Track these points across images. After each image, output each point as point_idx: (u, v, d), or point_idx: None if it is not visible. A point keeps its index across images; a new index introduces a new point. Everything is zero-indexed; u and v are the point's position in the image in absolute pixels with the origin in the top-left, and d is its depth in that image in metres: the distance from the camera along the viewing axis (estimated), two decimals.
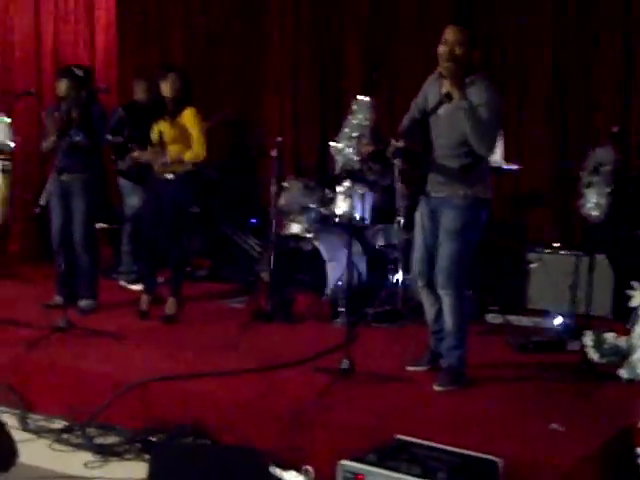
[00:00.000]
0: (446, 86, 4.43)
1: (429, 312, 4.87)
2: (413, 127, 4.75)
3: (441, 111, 4.57)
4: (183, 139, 6.08)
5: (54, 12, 9.59)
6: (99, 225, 7.94)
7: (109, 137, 7.23)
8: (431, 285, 4.74)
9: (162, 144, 6.07)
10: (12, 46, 9.52)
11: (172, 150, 6.06)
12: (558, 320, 6.04)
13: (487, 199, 4.66)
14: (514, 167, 7.00)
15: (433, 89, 4.67)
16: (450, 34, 4.53)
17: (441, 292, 4.65)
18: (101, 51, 9.53)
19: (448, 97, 4.48)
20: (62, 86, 6.34)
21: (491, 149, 4.62)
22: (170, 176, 6.11)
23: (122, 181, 7.70)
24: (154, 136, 6.13)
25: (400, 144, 4.69)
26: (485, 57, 7.45)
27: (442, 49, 4.52)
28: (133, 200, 7.45)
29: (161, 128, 6.10)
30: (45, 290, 6.76)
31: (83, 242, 6.38)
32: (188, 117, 6.09)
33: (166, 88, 6.08)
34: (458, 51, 4.49)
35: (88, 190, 6.37)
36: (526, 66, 7.44)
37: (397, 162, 5.86)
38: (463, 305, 4.67)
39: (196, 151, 6.09)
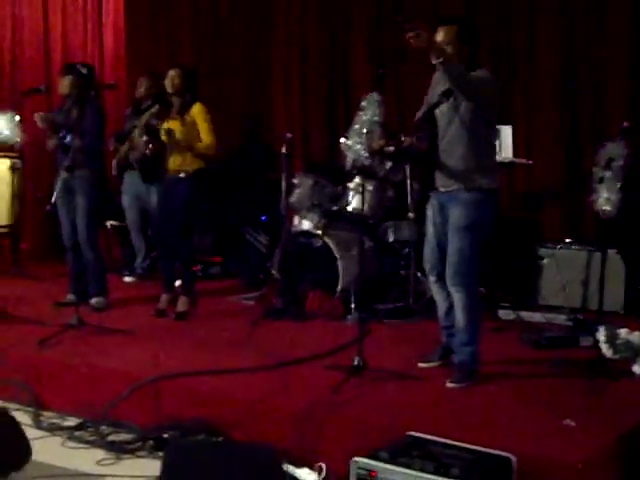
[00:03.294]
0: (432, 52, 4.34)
1: (440, 307, 4.87)
2: (423, 123, 4.75)
3: (441, 108, 4.61)
4: (194, 136, 6.08)
5: (63, 10, 9.62)
6: (110, 223, 8.00)
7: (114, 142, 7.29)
8: (442, 280, 4.73)
9: (173, 141, 6.05)
10: (21, 44, 9.56)
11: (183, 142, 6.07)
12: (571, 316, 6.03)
13: (493, 189, 4.66)
14: (526, 162, 6.99)
15: (437, 86, 4.68)
16: (439, 35, 4.54)
17: (451, 288, 4.65)
18: (110, 48, 9.55)
19: (446, 95, 4.50)
20: (65, 84, 6.35)
21: (474, 91, 4.48)
22: (182, 174, 6.11)
23: (130, 178, 7.68)
24: (164, 135, 6.12)
25: (406, 143, 4.71)
26: (495, 54, 7.49)
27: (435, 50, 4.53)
28: (153, 199, 7.42)
29: (171, 126, 6.10)
30: (57, 288, 6.79)
31: (87, 239, 6.39)
32: (197, 113, 6.10)
33: (168, 84, 6.09)
34: (449, 50, 4.48)
35: (90, 187, 6.38)
36: (536, 61, 7.41)
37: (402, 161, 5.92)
38: (474, 301, 4.66)
39: (207, 142, 6.08)
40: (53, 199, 5.93)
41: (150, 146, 6.23)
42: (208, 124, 6.10)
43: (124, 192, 7.82)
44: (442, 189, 4.69)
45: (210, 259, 8.20)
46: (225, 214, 8.50)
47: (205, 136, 6.08)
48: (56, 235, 6.80)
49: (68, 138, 6.20)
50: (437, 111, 4.64)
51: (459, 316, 4.65)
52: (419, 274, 6.40)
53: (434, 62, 4.35)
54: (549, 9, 7.30)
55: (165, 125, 6.11)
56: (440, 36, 4.54)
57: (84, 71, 6.41)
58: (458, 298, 4.63)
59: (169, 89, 6.10)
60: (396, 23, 4.34)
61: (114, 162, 7.67)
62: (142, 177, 7.36)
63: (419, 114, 4.85)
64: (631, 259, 6.24)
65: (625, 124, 5.55)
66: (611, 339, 4.77)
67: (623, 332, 4.85)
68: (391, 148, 4.95)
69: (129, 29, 9.47)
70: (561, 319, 6.08)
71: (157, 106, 6.28)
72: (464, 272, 4.58)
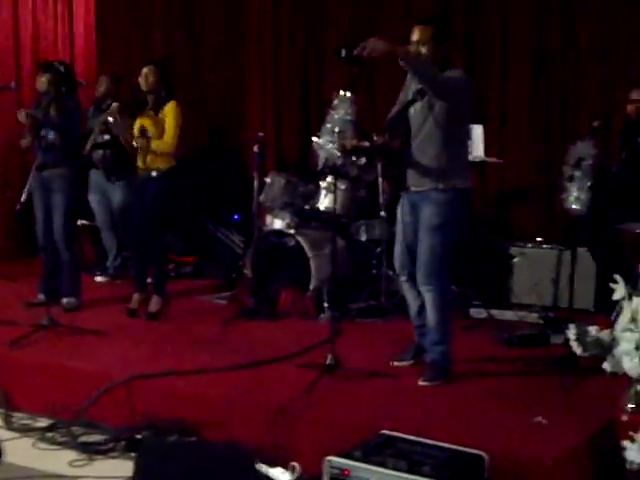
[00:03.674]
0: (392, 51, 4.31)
1: (412, 306, 4.89)
2: (396, 122, 4.77)
3: (415, 107, 4.63)
4: (161, 132, 6.04)
5: (32, 7, 9.52)
6: (80, 222, 7.94)
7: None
8: (413, 280, 4.75)
9: (145, 138, 6.03)
10: None
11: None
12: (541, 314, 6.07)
13: (466, 189, 4.68)
14: (495, 160, 7.03)
15: (412, 85, 4.69)
16: (414, 34, 4.57)
17: (422, 288, 4.66)
18: (80, 46, 9.47)
19: (420, 93, 4.52)
20: (43, 81, 6.30)
21: (443, 91, 4.45)
22: (153, 173, 6.09)
23: (96, 177, 7.65)
24: (135, 131, 6.09)
25: (379, 141, 4.73)
26: (467, 53, 7.53)
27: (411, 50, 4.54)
28: (117, 197, 7.42)
29: (144, 123, 6.07)
30: (28, 288, 6.73)
31: (64, 238, 6.33)
32: (168, 110, 6.05)
33: (142, 82, 6.06)
34: (424, 50, 4.52)
35: (68, 185, 6.33)
36: (507, 60, 7.46)
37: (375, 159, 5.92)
38: (445, 300, 4.68)
39: (165, 140, 6.03)
40: (23, 198, 5.88)
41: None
42: (175, 123, 6.04)
43: (91, 191, 7.76)
44: (413, 188, 4.70)
45: (183, 258, 8.16)
46: (198, 213, 8.47)
47: (166, 135, 6.03)
48: (26, 234, 6.74)
49: (51, 135, 6.15)
50: (411, 110, 4.66)
51: (430, 315, 4.66)
52: (391, 273, 6.41)
53: (401, 64, 4.35)
54: (521, 8, 7.34)
55: (138, 122, 6.08)
56: (416, 35, 4.56)
57: (62, 69, 6.37)
58: (429, 297, 4.64)
59: (143, 87, 6.06)
60: (341, 59, 4.39)
61: None
62: (106, 176, 7.35)
63: (392, 113, 4.86)
64: (601, 257, 6.29)
65: (595, 123, 5.61)
66: (581, 337, 4.79)
67: (593, 330, 4.87)
68: (366, 143, 4.94)
69: (100, 27, 9.41)
70: (532, 317, 6.12)
71: (115, 105, 6.23)
72: (435, 272, 4.59)
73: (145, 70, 6.06)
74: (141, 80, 6.06)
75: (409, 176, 4.71)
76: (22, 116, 6.21)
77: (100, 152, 7.31)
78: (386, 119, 4.86)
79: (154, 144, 6.02)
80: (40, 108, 6.31)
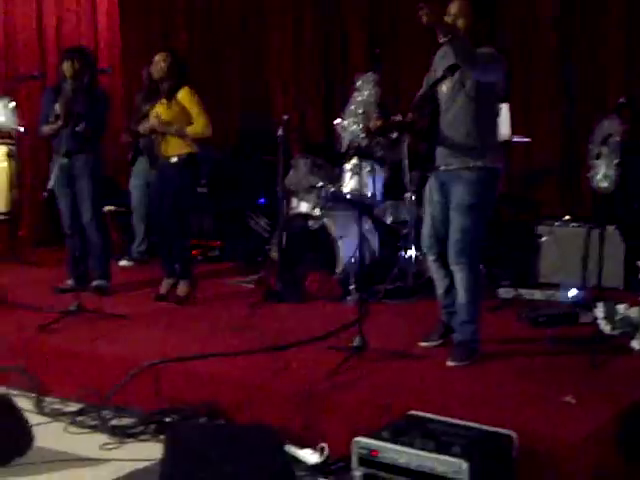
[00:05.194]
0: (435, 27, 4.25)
1: (439, 286, 4.86)
2: (424, 101, 4.73)
3: (444, 86, 4.59)
4: (182, 120, 6.05)
5: None
6: (107, 208, 8.00)
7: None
8: (441, 259, 4.73)
9: (162, 126, 6.05)
10: (14, 29, 9.50)
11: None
12: (572, 292, 6.01)
13: (497, 168, 4.64)
14: (523, 139, 6.97)
15: (441, 63, 4.65)
16: (452, 6, 4.50)
17: (453, 267, 4.63)
18: (104, 33, 9.51)
19: (451, 69, 4.47)
20: (69, 67, 6.31)
21: (475, 65, 4.38)
22: (174, 159, 6.10)
23: (140, 163, 7.72)
24: (152, 119, 6.11)
25: (408, 118, 4.68)
26: (489, 29, 7.46)
27: (446, 21, 4.49)
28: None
29: (158, 110, 6.08)
30: (56, 274, 6.79)
31: (93, 222, 6.40)
32: (184, 96, 6.06)
33: (154, 69, 6.07)
34: (461, 23, 4.46)
35: (93, 171, 6.39)
36: (531, 39, 7.39)
37: (404, 136, 5.85)
38: (476, 279, 4.65)
39: (200, 126, 6.05)
40: (50, 185, 5.91)
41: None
42: (198, 106, 6.05)
43: (133, 176, 7.86)
44: (443, 167, 4.65)
45: (210, 242, 8.20)
46: (224, 197, 8.49)
47: (197, 118, 6.04)
48: (54, 221, 6.80)
49: (81, 126, 6.16)
50: (442, 87, 4.60)
51: (460, 295, 4.64)
52: (418, 254, 6.40)
53: (441, 40, 4.31)
54: None
55: (154, 111, 6.09)
56: (454, 8, 4.49)
57: (87, 56, 6.39)
58: (460, 277, 4.61)
59: (155, 74, 6.08)
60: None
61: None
62: (150, 162, 7.38)
63: (420, 92, 4.82)
64: (630, 235, 6.24)
65: (621, 100, 5.54)
66: (610, 315, 4.77)
67: (622, 308, 4.85)
68: (398, 117, 4.86)
69: (123, 12, 9.43)
70: (561, 296, 6.07)
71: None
72: (467, 251, 4.56)
73: (157, 57, 6.07)
74: (153, 68, 6.07)
75: (438, 155, 4.67)
76: (61, 108, 6.20)
77: (146, 139, 7.35)
78: (414, 99, 4.81)
79: (188, 130, 6.03)
80: (62, 95, 6.30)
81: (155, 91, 6.17)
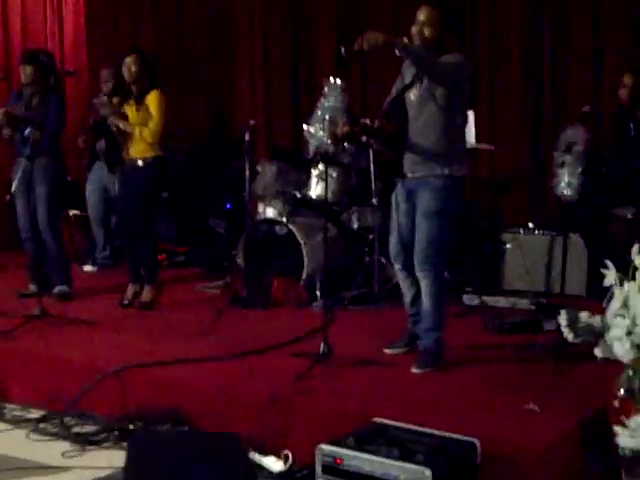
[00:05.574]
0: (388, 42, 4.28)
1: (406, 295, 4.88)
2: (393, 107, 4.74)
3: (412, 93, 4.61)
4: (145, 122, 6.03)
5: None
6: (72, 212, 7.94)
7: None
8: (408, 268, 4.74)
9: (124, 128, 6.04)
10: None
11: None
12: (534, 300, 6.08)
13: (462, 176, 4.67)
14: (488, 147, 7.02)
15: (409, 71, 4.67)
16: (421, 13, 4.53)
17: (419, 274, 4.64)
18: (70, 34, 9.44)
19: (419, 77, 4.50)
20: (27, 72, 6.27)
21: (443, 77, 4.46)
22: (139, 162, 6.07)
23: (97, 168, 7.67)
24: (105, 106, 6.10)
25: (376, 124, 4.69)
26: (456, 36, 7.51)
27: (413, 29, 4.52)
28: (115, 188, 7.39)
29: (127, 112, 6.04)
30: (19, 279, 6.72)
31: (48, 228, 6.33)
32: (152, 99, 6.03)
33: (125, 72, 6.03)
34: (427, 32, 4.49)
35: (50, 175, 6.33)
36: (496, 46, 7.44)
37: (372, 142, 5.85)
38: (441, 287, 4.67)
39: (150, 128, 6.00)
40: (13, 188, 5.86)
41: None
42: (158, 111, 6.01)
43: (89, 182, 7.80)
44: (410, 175, 4.67)
45: (175, 248, 8.16)
46: (189, 202, 8.46)
47: (151, 123, 6.00)
48: (15, 225, 6.72)
49: (27, 130, 6.12)
50: (410, 94, 4.62)
51: (425, 301, 4.65)
52: (384, 260, 6.41)
53: (398, 54, 4.33)
54: None
55: (123, 111, 6.06)
56: (422, 15, 4.51)
57: (44, 59, 6.33)
58: (425, 284, 4.63)
59: (126, 77, 6.03)
60: (343, 59, 4.37)
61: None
62: (108, 167, 7.34)
63: (389, 98, 4.83)
64: (593, 243, 6.29)
65: (585, 108, 5.59)
66: (572, 323, 4.79)
67: (584, 315, 4.87)
68: (367, 121, 4.85)
69: (89, 14, 9.37)
70: (524, 303, 6.12)
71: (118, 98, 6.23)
72: (432, 258, 4.58)
73: (128, 60, 6.01)
74: (124, 70, 6.02)
75: (406, 163, 4.69)
76: (2, 117, 6.19)
77: (103, 142, 7.31)
78: (383, 105, 4.82)
79: (137, 131, 5.99)
80: (22, 99, 6.27)
81: (122, 90, 6.12)
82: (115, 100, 6.15)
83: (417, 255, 4.61)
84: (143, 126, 5.99)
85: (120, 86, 6.13)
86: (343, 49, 4.33)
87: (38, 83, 6.20)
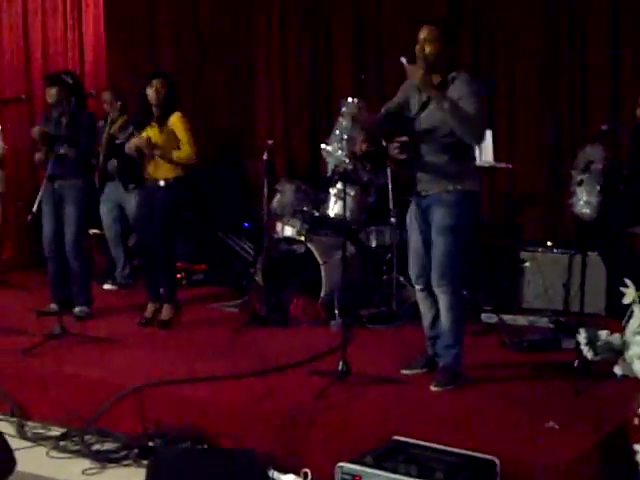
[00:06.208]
0: (425, 92, 4.50)
1: (426, 317, 4.87)
2: (392, 117, 4.79)
3: (424, 112, 4.64)
4: (172, 144, 6.08)
5: (42, 17, 9.58)
6: (92, 231, 7.98)
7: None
8: (428, 289, 4.75)
9: (151, 149, 6.06)
10: (1, 52, 9.52)
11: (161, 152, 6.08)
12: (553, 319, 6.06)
13: (476, 191, 4.70)
14: (506, 166, 7.02)
15: (414, 91, 4.69)
16: (422, 32, 4.58)
17: (437, 290, 4.65)
18: (90, 56, 9.50)
19: (428, 100, 4.55)
20: (52, 93, 6.35)
21: (481, 137, 4.66)
22: (161, 183, 6.11)
23: (110, 188, 7.72)
24: (138, 139, 6.12)
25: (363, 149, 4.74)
26: (475, 56, 7.53)
27: (416, 49, 4.57)
28: (131, 206, 7.42)
29: (149, 134, 6.09)
30: (40, 297, 6.76)
31: (74, 248, 6.37)
32: (175, 122, 6.09)
33: (152, 94, 6.08)
34: (428, 49, 4.53)
35: (80, 196, 6.38)
36: (515, 65, 7.44)
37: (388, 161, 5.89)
38: (459, 302, 4.68)
39: (186, 152, 6.07)
40: (35, 208, 5.91)
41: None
42: (188, 133, 6.08)
43: (103, 202, 7.82)
44: (424, 193, 4.69)
45: (193, 266, 8.18)
46: (208, 221, 8.49)
47: (185, 146, 6.07)
48: (38, 244, 6.78)
49: (62, 148, 6.18)
50: (422, 113, 4.64)
51: (444, 318, 4.66)
52: (402, 279, 6.42)
53: (429, 95, 4.45)
54: (532, 10, 7.32)
55: (144, 133, 6.11)
56: (423, 34, 4.56)
57: (68, 80, 6.40)
58: (444, 299, 4.64)
59: (152, 99, 6.08)
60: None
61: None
62: (122, 185, 7.37)
63: (388, 107, 4.84)
64: (611, 261, 6.27)
65: (604, 127, 5.59)
66: (592, 341, 4.78)
67: (604, 334, 4.87)
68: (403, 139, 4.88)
69: (109, 37, 9.44)
70: (543, 322, 6.11)
71: (123, 118, 6.28)
72: (449, 272, 4.59)
73: (156, 82, 6.07)
74: (151, 92, 6.07)
75: (419, 181, 4.71)
76: (35, 133, 6.26)
77: (114, 162, 7.36)
78: (380, 113, 4.84)
79: (175, 155, 6.05)
80: (51, 121, 6.36)
81: (146, 113, 6.18)
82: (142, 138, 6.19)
83: (434, 271, 4.62)
84: (169, 148, 6.05)
85: (145, 108, 6.17)
86: (404, 59, 4.42)
87: (64, 103, 6.27)
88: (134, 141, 6.12)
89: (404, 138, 4.63)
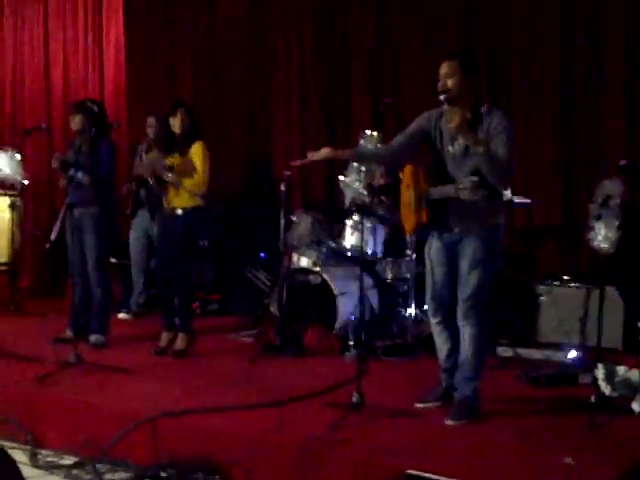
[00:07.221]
0: (463, 139, 4.47)
1: (442, 349, 4.84)
2: (407, 148, 4.79)
3: (450, 147, 4.62)
4: (188, 171, 6.12)
5: (63, 49, 9.70)
6: (111, 259, 8.01)
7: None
8: (445, 322, 4.73)
9: (173, 178, 6.10)
10: (22, 83, 9.64)
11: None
12: (572, 354, 6.01)
13: (501, 224, 4.69)
14: (525, 201, 7.00)
15: (440, 124, 4.67)
16: (442, 69, 4.58)
17: (462, 323, 4.61)
18: (110, 87, 9.60)
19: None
20: (76, 121, 6.41)
21: (508, 184, 4.64)
22: (179, 211, 6.14)
23: (140, 216, 7.79)
24: (166, 172, 6.16)
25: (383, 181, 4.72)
26: (490, 88, 7.54)
27: (438, 85, 4.57)
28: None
29: (172, 162, 6.13)
30: (55, 325, 6.78)
31: (97, 277, 6.42)
32: (196, 149, 6.15)
33: (175, 124, 6.14)
34: (450, 83, 4.53)
35: (97, 225, 6.41)
36: (530, 97, 7.46)
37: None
38: (485, 336, 4.66)
39: (196, 181, 6.11)
40: (52, 237, 5.94)
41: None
42: (203, 163, 6.13)
43: (132, 229, 7.92)
44: (456, 228, 4.63)
45: (209, 296, 8.20)
46: (224, 251, 8.51)
47: (198, 175, 6.11)
48: (55, 272, 6.81)
49: (79, 175, 6.24)
50: (449, 147, 4.62)
51: (466, 350, 4.62)
52: (418, 311, 6.40)
53: (467, 143, 4.44)
54: (548, 41, 7.34)
55: (168, 162, 6.15)
56: (443, 70, 4.56)
57: (95, 109, 6.47)
58: (470, 333, 4.60)
59: (176, 129, 6.14)
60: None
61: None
62: (150, 214, 7.42)
63: (404, 137, 4.80)
64: (629, 296, 6.24)
65: (622, 162, 5.59)
66: (609, 377, 4.75)
67: (621, 369, 4.84)
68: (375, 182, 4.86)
69: (129, 67, 9.54)
70: (559, 356, 6.07)
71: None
72: (478, 307, 4.58)
73: (180, 112, 6.14)
74: (175, 121, 6.13)
75: (451, 215, 4.62)
76: (55, 161, 6.33)
77: (143, 191, 7.44)
78: (394, 140, 4.82)
79: (187, 183, 6.08)
80: (73, 148, 6.42)
81: (170, 142, 6.23)
82: (153, 155, 6.23)
83: (462, 304, 4.59)
84: (185, 177, 6.07)
85: (169, 138, 6.22)
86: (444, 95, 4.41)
87: (87, 131, 6.33)
88: (149, 157, 6.17)
89: (475, 178, 4.53)
